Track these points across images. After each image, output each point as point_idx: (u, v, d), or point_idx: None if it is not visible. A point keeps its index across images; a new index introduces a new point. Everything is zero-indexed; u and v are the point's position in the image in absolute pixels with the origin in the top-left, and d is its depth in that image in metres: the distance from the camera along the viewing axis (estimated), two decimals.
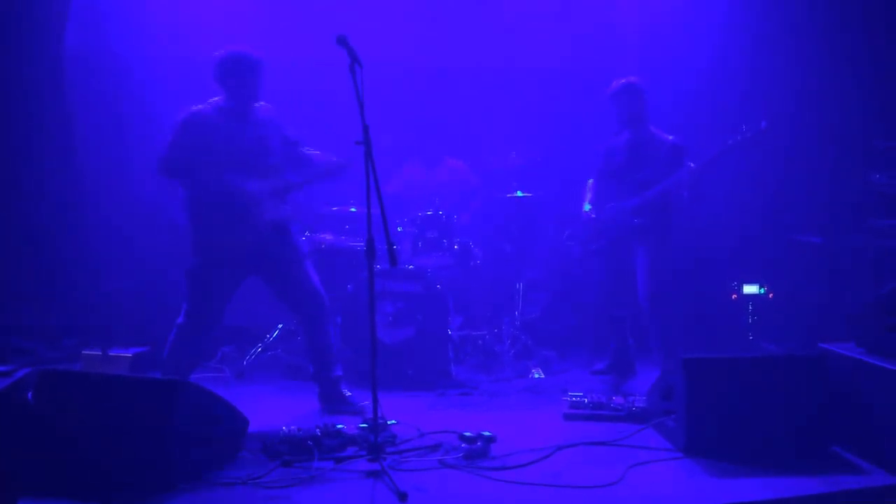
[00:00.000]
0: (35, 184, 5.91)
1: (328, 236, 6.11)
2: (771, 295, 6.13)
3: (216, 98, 4.67)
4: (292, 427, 3.97)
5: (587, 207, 5.65)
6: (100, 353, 5.34)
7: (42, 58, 5.90)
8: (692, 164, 5.11)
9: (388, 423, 4.17)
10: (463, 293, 6.38)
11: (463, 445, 3.88)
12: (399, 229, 5.93)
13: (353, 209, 6.23)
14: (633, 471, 3.67)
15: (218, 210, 4.50)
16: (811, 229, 6.09)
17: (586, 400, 4.60)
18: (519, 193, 6.25)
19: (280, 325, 6.12)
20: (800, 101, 6.16)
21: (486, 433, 3.92)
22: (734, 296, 6.17)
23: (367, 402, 4.20)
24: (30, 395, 3.56)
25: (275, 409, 4.79)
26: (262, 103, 4.76)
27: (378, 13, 6.58)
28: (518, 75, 7.02)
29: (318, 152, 4.91)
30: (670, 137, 5.37)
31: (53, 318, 5.97)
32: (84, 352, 5.42)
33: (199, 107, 4.62)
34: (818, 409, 3.89)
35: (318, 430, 3.95)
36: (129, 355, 5.39)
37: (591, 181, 5.75)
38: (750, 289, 6.15)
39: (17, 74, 5.78)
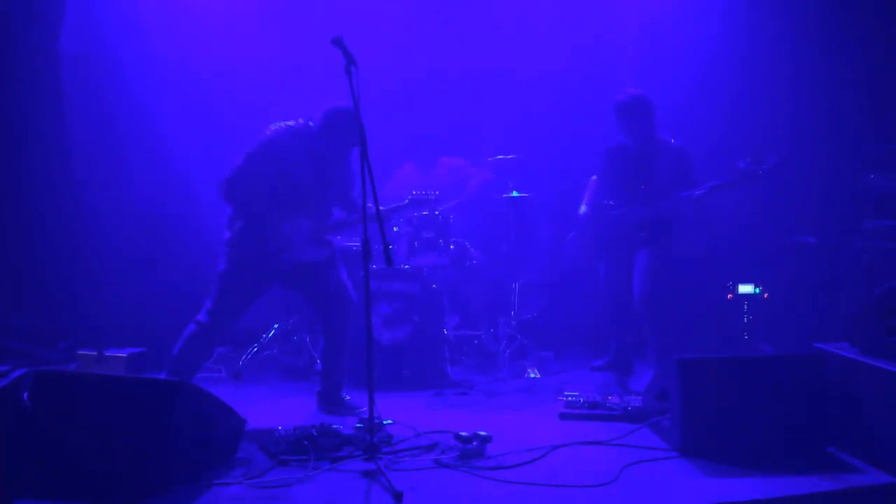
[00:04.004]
0: (31, 187, 5.90)
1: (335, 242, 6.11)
2: (766, 295, 6.15)
3: (311, 125, 4.66)
4: (289, 427, 3.98)
5: (583, 209, 5.66)
6: (95, 353, 5.34)
7: (39, 61, 5.90)
8: (695, 193, 5.11)
9: (385, 422, 4.17)
10: (459, 293, 6.39)
11: (459, 445, 3.88)
12: (395, 229, 5.93)
13: None
14: (628, 470, 3.68)
15: (259, 239, 4.52)
16: (806, 230, 6.11)
17: (582, 400, 4.61)
18: (515, 194, 6.26)
19: (276, 326, 6.12)
20: (795, 102, 6.18)
21: (482, 433, 3.92)
22: (730, 296, 6.19)
23: (364, 407, 4.20)
24: (26, 395, 3.56)
25: (271, 409, 4.80)
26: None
27: (374, 15, 6.59)
28: (514, 76, 7.03)
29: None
30: (673, 141, 5.37)
31: (49, 321, 5.96)
32: (79, 352, 5.42)
33: (285, 127, 4.61)
34: (813, 410, 3.90)
35: (314, 429, 3.95)
36: (125, 356, 5.39)
37: (594, 178, 5.75)
38: (745, 289, 6.16)
39: (13, 77, 5.78)
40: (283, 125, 4.63)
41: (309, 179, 4.63)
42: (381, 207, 4.73)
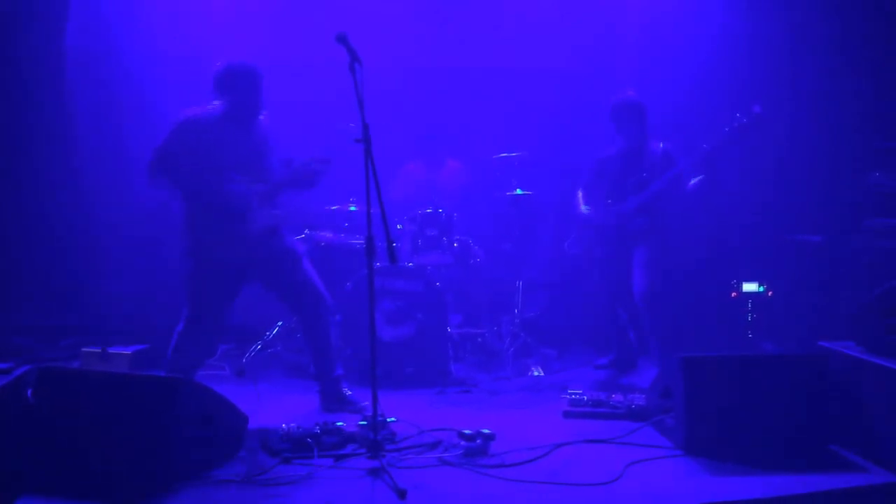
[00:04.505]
0: (35, 184, 5.91)
1: (327, 234, 6.11)
2: (770, 293, 6.14)
3: (216, 103, 4.62)
4: (292, 425, 3.98)
5: (584, 209, 5.68)
6: (99, 350, 5.35)
7: (43, 57, 5.91)
8: (704, 146, 5.11)
9: (388, 420, 4.17)
10: (463, 291, 6.39)
11: (462, 443, 3.88)
12: (399, 227, 5.94)
13: (352, 207, 6.24)
14: (631, 469, 3.68)
15: (209, 215, 4.50)
16: (810, 228, 6.10)
17: (585, 398, 4.61)
18: (519, 192, 6.26)
19: (280, 323, 6.12)
20: (798, 100, 6.17)
21: (486, 431, 3.92)
22: (734, 294, 6.18)
23: (367, 402, 4.20)
24: (29, 392, 3.56)
25: (274, 406, 4.80)
26: (263, 115, 4.74)
27: (381, 13, 6.59)
28: (519, 75, 7.04)
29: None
30: (661, 144, 5.43)
31: (53, 318, 5.97)
32: (84, 349, 5.43)
33: (197, 111, 4.59)
34: (817, 408, 3.89)
35: (317, 427, 3.96)
36: (129, 353, 5.40)
37: (580, 192, 5.79)
38: (749, 287, 6.15)
39: (18, 74, 5.78)
40: (189, 110, 4.59)
41: (229, 147, 4.54)
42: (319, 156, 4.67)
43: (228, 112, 4.60)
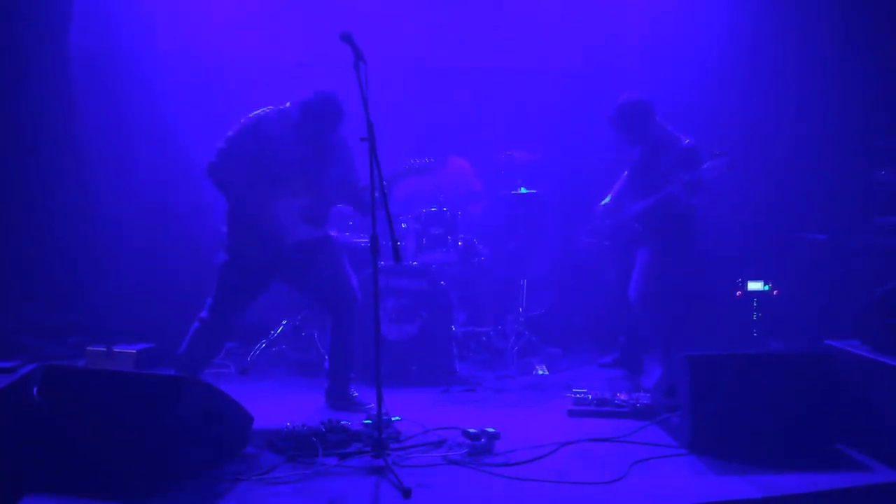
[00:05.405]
0: (40, 182, 5.92)
1: (332, 232, 6.10)
2: (776, 292, 6.13)
3: (289, 106, 4.62)
4: (297, 423, 3.98)
5: (606, 200, 5.68)
6: (104, 349, 5.36)
7: (46, 57, 5.91)
8: (683, 178, 5.04)
9: (393, 419, 4.17)
10: (467, 290, 6.39)
11: (467, 442, 3.88)
12: (403, 226, 5.93)
13: None
14: (636, 467, 3.67)
15: (249, 222, 4.51)
16: (816, 227, 6.08)
17: (590, 396, 4.60)
18: (523, 191, 6.25)
19: (284, 321, 6.13)
20: (804, 98, 6.15)
21: (490, 430, 3.92)
22: (739, 292, 6.16)
23: (372, 403, 4.20)
24: (35, 390, 3.57)
25: (279, 405, 4.80)
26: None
27: (386, 12, 6.58)
28: (524, 75, 7.05)
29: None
30: (686, 140, 5.25)
31: (58, 316, 5.99)
32: (89, 348, 5.44)
33: (263, 114, 4.59)
34: (823, 407, 3.88)
35: (322, 426, 3.95)
36: (134, 351, 5.41)
37: (626, 173, 5.71)
38: (755, 285, 6.14)
39: (21, 74, 5.79)
40: (261, 110, 4.61)
41: (292, 158, 4.56)
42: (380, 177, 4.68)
43: (300, 124, 4.59)
